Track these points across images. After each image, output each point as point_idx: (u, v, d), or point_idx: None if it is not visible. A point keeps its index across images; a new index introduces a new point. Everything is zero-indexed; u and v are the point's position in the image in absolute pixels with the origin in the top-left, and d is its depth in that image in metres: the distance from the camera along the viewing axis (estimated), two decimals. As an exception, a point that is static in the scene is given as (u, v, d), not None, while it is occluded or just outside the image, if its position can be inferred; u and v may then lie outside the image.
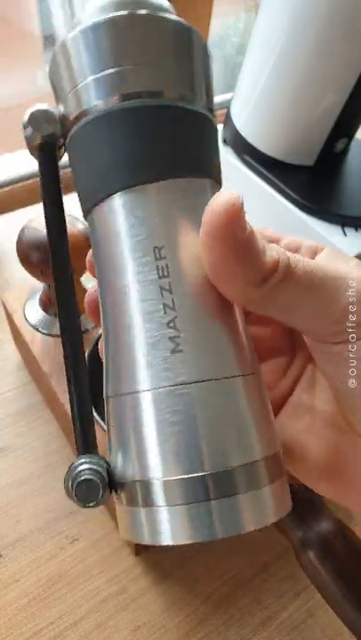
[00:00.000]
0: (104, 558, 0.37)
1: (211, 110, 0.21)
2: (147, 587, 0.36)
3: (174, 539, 0.16)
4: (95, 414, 0.36)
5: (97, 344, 0.40)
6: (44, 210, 0.21)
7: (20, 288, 0.45)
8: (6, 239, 0.61)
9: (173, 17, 0.19)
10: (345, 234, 0.54)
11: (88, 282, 0.44)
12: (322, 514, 0.28)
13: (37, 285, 0.43)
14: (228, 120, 0.63)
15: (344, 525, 0.28)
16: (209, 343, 0.17)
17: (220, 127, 0.66)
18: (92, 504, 0.18)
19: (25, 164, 0.72)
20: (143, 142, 0.18)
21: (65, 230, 0.21)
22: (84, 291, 0.42)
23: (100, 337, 0.41)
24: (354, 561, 0.26)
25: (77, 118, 0.19)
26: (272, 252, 0.16)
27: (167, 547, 0.16)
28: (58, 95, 0.20)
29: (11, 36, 0.69)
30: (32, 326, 0.42)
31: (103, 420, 0.36)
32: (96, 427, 0.38)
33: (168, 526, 0.16)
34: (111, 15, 0.18)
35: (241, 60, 0.60)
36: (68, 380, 0.20)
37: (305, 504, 0.28)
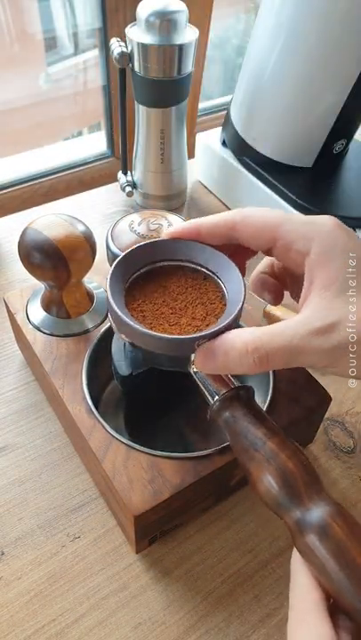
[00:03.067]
0: (105, 556, 0.38)
1: None
2: (147, 584, 0.37)
3: None
4: (95, 414, 0.37)
5: (98, 343, 0.41)
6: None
7: (21, 288, 0.45)
8: (8, 240, 0.62)
9: None
10: (344, 234, 0.54)
11: (90, 282, 0.44)
12: (320, 495, 0.27)
13: (39, 285, 0.44)
14: (227, 122, 0.63)
15: (342, 508, 0.27)
16: None
17: (219, 129, 0.67)
18: None
19: (27, 165, 0.72)
20: None
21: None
22: (86, 291, 0.43)
23: (100, 337, 0.41)
24: (353, 544, 0.25)
25: None
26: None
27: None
28: None
29: (12, 38, 0.69)
30: (34, 326, 0.42)
31: (104, 419, 0.36)
32: (96, 427, 0.39)
33: None
34: None
35: (240, 61, 0.60)
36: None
37: (303, 485, 0.27)
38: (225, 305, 0.34)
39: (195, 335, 0.31)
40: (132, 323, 0.31)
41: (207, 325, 0.33)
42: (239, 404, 0.31)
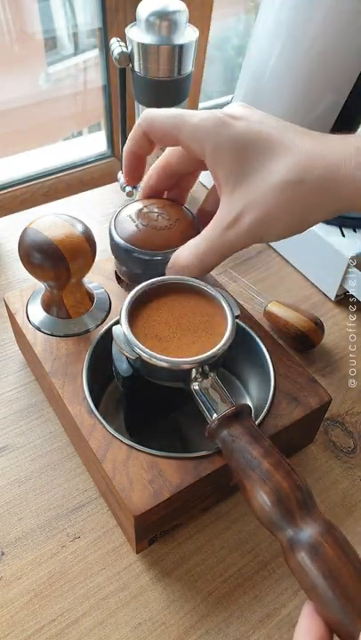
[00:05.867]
0: (105, 556, 0.38)
1: None
2: (147, 584, 0.37)
3: None
4: (96, 413, 0.37)
5: (98, 343, 0.41)
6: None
7: (21, 288, 0.45)
8: (8, 240, 0.62)
9: None
10: (343, 234, 0.54)
11: (89, 282, 0.44)
12: (312, 515, 0.28)
13: (39, 286, 0.44)
14: (227, 121, 0.63)
15: (334, 527, 0.28)
16: None
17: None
18: None
19: (27, 165, 0.72)
20: None
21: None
22: (86, 291, 0.43)
23: (101, 337, 0.41)
24: (343, 563, 0.26)
25: None
26: None
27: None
28: None
29: (12, 38, 0.69)
30: (34, 326, 0.42)
31: (104, 419, 0.36)
32: (96, 427, 0.38)
33: None
34: None
35: (241, 61, 0.60)
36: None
37: (296, 504, 0.28)
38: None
39: (193, 359, 0.32)
40: (140, 350, 0.33)
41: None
42: (237, 423, 0.32)
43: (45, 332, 0.41)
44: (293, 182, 0.30)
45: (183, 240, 0.36)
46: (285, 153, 0.31)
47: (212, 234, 0.33)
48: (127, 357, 0.34)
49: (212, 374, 0.34)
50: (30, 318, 0.42)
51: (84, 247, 0.38)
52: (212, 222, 0.33)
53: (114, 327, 0.35)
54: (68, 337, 0.41)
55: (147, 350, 0.32)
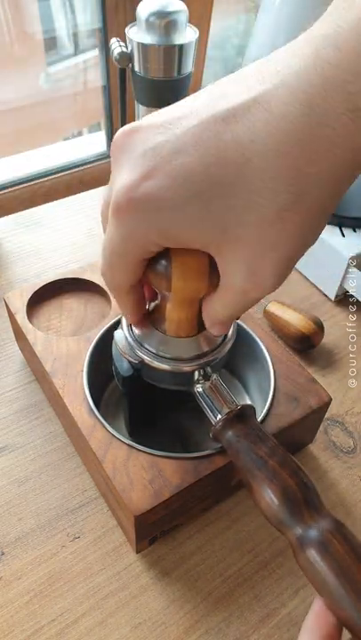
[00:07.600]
0: (105, 556, 0.38)
1: None
2: (147, 584, 0.37)
3: None
4: (96, 413, 0.37)
5: (98, 343, 0.41)
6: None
7: (21, 288, 0.45)
8: (8, 240, 0.61)
9: None
10: (343, 235, 0.54)
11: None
12: (320, 512, 0.28)
13: (39, 285, 0.44)
14: (227, 121, 0.63)
15: (342, 524, 0.28)
16: None
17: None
18: None
19: (27, 165, 0.72)
20: None
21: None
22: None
23: (101, 337, 0.41)
24: (353, 559, 0.26)
25: None
26: None
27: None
28: None
29: (12, 38, 0.69)
30: (34, 326, 0.42)
31: (104, 419, 0.36)
32: (96, 426, 0.38)
33: None
34: None
35: (241, 61, 0.60)
36: None
37: (303, 502, 0.28)
38: None
39: (195, 363, 0.32)
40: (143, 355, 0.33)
41: None
42: (242, 423, 0.32)
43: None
44: None
45: None
46: None
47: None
48: (129, 361, 0.34)
49: (215, 376, 0.34)
50: (30, 318, 0.42)
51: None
52: None
53: (115, 332, 0.34)
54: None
55: (149, 353, 0.32)
